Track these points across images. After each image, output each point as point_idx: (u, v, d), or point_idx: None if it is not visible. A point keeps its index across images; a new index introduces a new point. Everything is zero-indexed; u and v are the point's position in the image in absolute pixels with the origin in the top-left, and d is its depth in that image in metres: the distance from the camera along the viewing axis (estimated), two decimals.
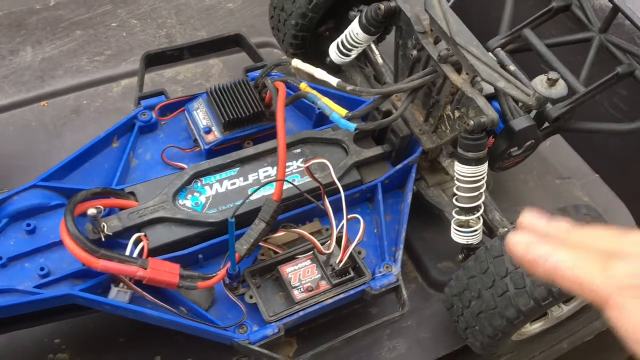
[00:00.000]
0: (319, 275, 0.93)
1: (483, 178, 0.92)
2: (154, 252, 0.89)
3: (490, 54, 0.94)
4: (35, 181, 0.90)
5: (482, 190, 0.93)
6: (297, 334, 1.04)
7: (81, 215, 0.86)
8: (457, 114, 0.96)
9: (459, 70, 0.95)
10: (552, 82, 0.81)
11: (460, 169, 0.91)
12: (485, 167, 0.92)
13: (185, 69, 1.35)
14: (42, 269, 0.84)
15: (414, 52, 0.99)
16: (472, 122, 0.87)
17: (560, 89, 0.82)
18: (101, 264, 0.80)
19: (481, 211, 0.95)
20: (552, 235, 0.50)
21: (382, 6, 0.99)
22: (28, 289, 0.82)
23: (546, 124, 1.14)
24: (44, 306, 0.84)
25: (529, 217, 0.52)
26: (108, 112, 1.25)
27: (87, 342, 1.00)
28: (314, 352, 0.89)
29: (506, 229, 0.98)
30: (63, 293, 0.81)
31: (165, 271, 0.84)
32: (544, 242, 0.49)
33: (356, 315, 1.07)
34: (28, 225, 0.87)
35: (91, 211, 0.83)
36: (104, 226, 0.87)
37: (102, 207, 0.87)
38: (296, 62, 1.02)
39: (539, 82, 0.82)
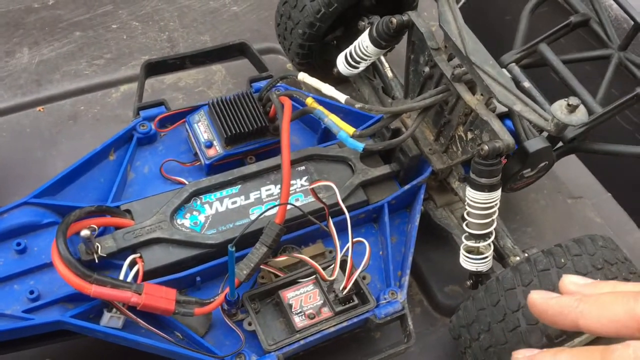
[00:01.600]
0: (322, 301, 0.89)
1: (496, 205, 0.88)
2: (150, 274, 0.85)
3: (506, 72, 0.89)
4: (26, 198, 0.86)
5: (494, 217, 0.89)
6: (295, 358, 1.00)
7: (76, 234, 0.82)
8: (469, 135, 0.92)
9: (472, 90, 0.91)
10: (572, 108, 0.76)
11: (472, 195, 0.87)
12: (498, 193, 0.87)
13: (187, 75, 1.30)
14: (31, 292, 0.80)
15: (426, 69, 0.95)
16: (486, 147, 0.83)
17: (580, 115, 0.77)
18: (94, 289, 0.76)
19: (492, 238, 0.91)
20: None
21: (394, 20, 0.95)
22: (16, 313, 0.78)
23: (560, 144, 1.10)
24: (33, 332, 0.80)
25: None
26: (106, 119, 1.20)
27: None
28: None
29: (518, 258, 0.93)
30: (53, 320, 0.77)
31: (161, 297, 0.80)
32: (543, 353, 0.53)
33: (358, 340, 1.03)
34: (18, 244, 0.83)
35: (84, 232, 0.79)
36: (97, 247, 0.83)
37: (95, 227, 0.83)
38: (303, 76, 0.98)
39: (559, 108, 0.77)
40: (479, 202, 0.87)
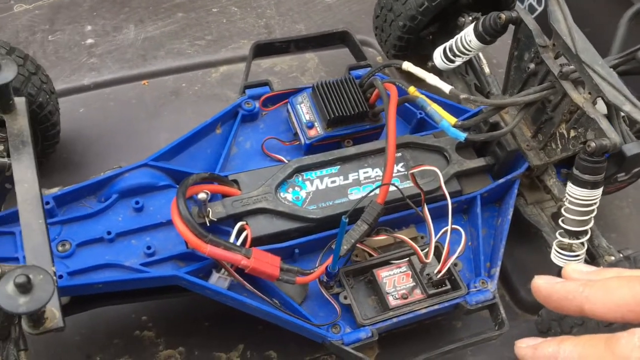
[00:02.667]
0: (414, 284, 0.92)
1: (595, 203, 0.89)
2: (255, 241, 0.89)
3: (614, 73, 0.90)
4: (146, 160, 0.91)
5: (592, 215, 0.90)
6: (379, 339, 1.03)
7: (189, 198, 0.87)
8: (572, 133, 0.93)
9: (578, 88, 0.92)
10: None
11: (573, 191, 0.88)
12: (599, 191, 0.88)
13: (282, 61, 1.35)
14: (148, 247, 0.85)
15: (531, 66, 0.96)
16: (593, 144, 0.84)
17: None
18: (209, 249, 0.80)
19: (587, 236, 0.92)
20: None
21: (503, 15, 0.97)
22: (134, 265, 0.83)
23: None
24: (148, 285, 0.85)
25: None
26: (206, 97, 1.26)
27: (172, 323, 1.02)
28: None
29: (613, 258, 0.94)
30: (170, 274, 0.82)
31: (268, 263, 0.84)
32: (547, 342, 0.52)
33: (439, 327, 1.05)
34: (137, 203, 0.89)
35: (202, 195, 0.84)
36: (209, 211, 0.88)
37: (209, 192, 0.88)
38: (407, 65, 1.01)
39: None
40: (580, 198, 0.88)
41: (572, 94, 0.90)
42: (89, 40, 1.34)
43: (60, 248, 0.83)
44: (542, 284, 0.55)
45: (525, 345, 0.54)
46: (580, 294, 0.51)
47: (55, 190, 0.87)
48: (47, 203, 0.85)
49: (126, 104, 1.24)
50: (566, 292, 0.52)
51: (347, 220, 0.77)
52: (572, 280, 0.54)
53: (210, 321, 1.02)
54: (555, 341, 0.51)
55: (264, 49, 1.11)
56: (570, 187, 0.89)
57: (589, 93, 0.89)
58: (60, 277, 0.80)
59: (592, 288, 0.51)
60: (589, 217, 0.90)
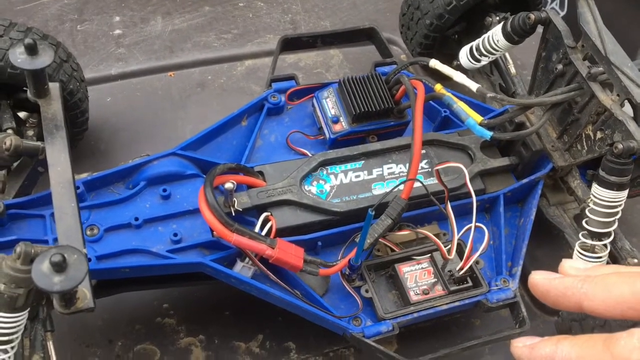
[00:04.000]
0: (435, 280, 0.92)
1: (620, 205, 0.89)
2: (279, 232, 0.90)
3: None
4: (174, 149, 0.92)
5: (616, 217, 0.90)
6: (397, 334, 1.03)
7: (215, 187, 0.88)
8: (599, 135, 0.93)
9: (606, 90, 0.92)
10: None
11: (598, 192, 0.88)
12: (625, 193, 0.88)
13: (307, 57, 1.36)
14: (175, 234, 0.86)
15: (559, 66, 0.96)
16: (621, 146, 0.84)
17: None
18: (234, 237, 0.81)
19: (610, 238, 0.92)
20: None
21: (532, 16, 0.97)
22: (161, 251, 0.84)
23: None
24: (173, 271, 0.86)
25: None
26: (231, 90, 1.27)
27: (193, 311, 1.03)
28: (432, 356, 0.88)
29: (636, 260, 0.94)
30: (196, 261, 0.83)
31: (292, 253, 0.85)
32: (544, 342, 0.51)
33: (458, 324, 1.06)
34: (164, 190, 0.90)
35: (228, 185, 0.85)
36: (234, 201, 0.89)
37: (235, 182, 0.89)
38: (434, 63, 1.01)
39: None
40: (606, 200, 0.88)
41: (600, 96, 0.90)
42: (117, 31, 1.36)
43: (88, 232, 0.85)
44: (539, 280, 0.54)
45: (521, 345, 0.52)
46: (579, 290, 0.50)
47: (85, 176, 0.89)
48: (77, 188, 0.86)
49: (152, 94, 1.25)
50: (564, 288, 0.51)
51: (373, 213, 0.77)
52: (570, 277, 0.53)
53: (230, 311, 1.03)
54: (552, 341, 0.50)
55: (291, 43, 1.12)
56: (596, 189, 0.89)
57: (617, 95, 0.89)
58: (89, 260, 0.81)
59: (590, 284, 0.50)
60: (613, 219, 0.90)
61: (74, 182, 0.77)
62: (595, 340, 0.47)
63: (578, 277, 0.51)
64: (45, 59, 0.76)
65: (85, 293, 0.66)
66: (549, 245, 1.11)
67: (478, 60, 1.11)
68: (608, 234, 0.92)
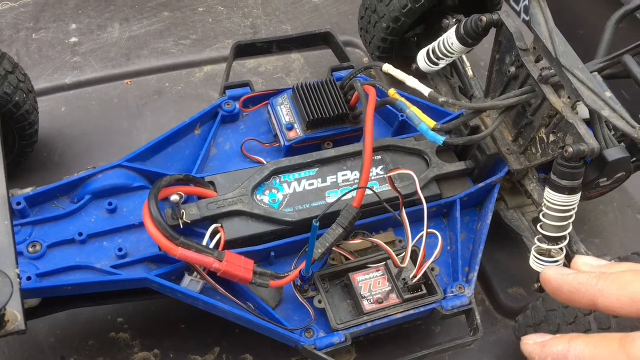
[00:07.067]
0: (390, 288, 0.91)
1: (574, 209, 0.88)
2: (229, 244, 0.89)
3: (595, 77, 0.90)
4: (121, 161, 0.90)
5: (570, 221, 0.89)
6: (356, 343, 1.02)
7: (163, 200, 0.86)
8: (552, 138, 0.92)
9: (558, 93, 0.91)
10: None
11: (551, 196, 0.87)
12: (578, 197, 0.87)
13: (267, 62, 1.34)
14: (120, 249, 0.84)
15: (512, 69, 0.95)
16: (571, 150, 0.83)
17: None
18: (180, 252, 0.80)
19: (566, 242, 0.91)
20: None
21: (484, 18, 0.96)
22: (105, 268, 0.83)
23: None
24: (118, 287, 0.84)
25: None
26: (189, 97, 1.25)
27: (148, 325, 1.01)
28: None
29: None
30: (140, 277, 0.82)
31: (240, 266, 0.83)
32: (556, 339, 0.50)
33: (418, 331, 1.04)
34: (110, 204, 0.88)
35: (174, 197, 0.83)
36: (183, 213, 0.87)
37: (183, 194, 0.87)
38: (387, 68, 1.00)
39: None
40: (558, 204, 0.87)
41: (552, 98, 0.89)
42: (73, 39, 1.33)
43: (30, 249, 0.82)
44: (552, 275, 0.53)
45: (532, 342, 0.52)
46: (593, 286, 0.49)
47: (28, 191, 0.86)
48: (19, 204, 0.84)
49: (108, 103, 1.23)
50: (579, 285, 0.50)
51: (318, 224, 0.76)
52: (584, 273, 0.52)
53: (186, 324, 1.01)
54: (565, 339, 0.49)
55: (245, 50, 1.11)
56: (548, 193, 0.88)
57: (569, 97, 0.88)
58: (29, 279, 0.79)
59: (606, 281, 0.49)
60: (567, 222, 0.89)
61: (8, 199, 0.75)
62: (610, 340, 0.46)
63: (593, 274, 0.50)
64: None
65: (15, 315, 0.64)
66: (509, 249, 1.10)
67: (435, 64, 1.09)
68: (563, 238, 0.91)
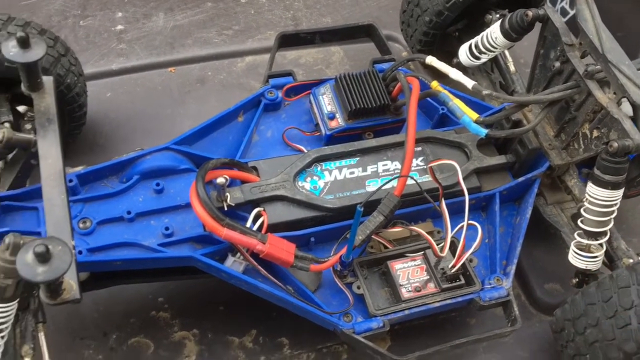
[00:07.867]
0: (427, 277, 0.92)
1: (616, 204, 0.88)
2: (271, 228, 0.90)
3: None
4: (168, 144, 0.93)
5: (612, 216, 0.89)
6: (391, 331, 1.03)
7: (208, 182, 0.88)
8: (595, 133, 0.92)
9: (603, 88, 0.91)
10: None
11: (593, 191, 0.87)
12: (620, 192, 0.87)
13: (307, 53, 1.36)
14: (167, 228, 0.86)
15: (557, 64, 0.95)
16: (616, 144, 0.83)
17: None
18: (225, 232, 0.82)
19: (606, 238, 0.91)
20: None
21: (530, 13, 0.96)
22: (152, 245, 0.85)
23: None
24: (164, 264, 0.86)
25: None
26: (231, 86, 1.28)
27: (188, 306, 1.03)
28: (420, 353, 0.87)
29: (632, 260, 0.93)
30: (186, 255, 0.84)
31: (282, 249, 0.85)
32: None
33: (453, 323, 1.05)
34: (157, 184, 0.90)
35: (221, 180, 0.85)
36: (227, 196, 0.89)
37: (228, 177, 0.89)
38: (431, 59, 1.01)
39: None
40: (601, 199, 0.87)
41: (597, 94, 0.89)
42: (119, 27, 1.37)
43: (81, 225, 0.85)
44: None
45: None
46: None
47: (79, 169, 0.89)
48: (71, 181, 0.87)
49: (152, 90, 1.26)
50: None
51: (362, 209, 0.77)
52: None
53: (225, 306, 1.03)
54: None
55: (289, 40, 1.12)
56: (591, 187, 0.88)
57: (614, 93, 0.88)
58: (80, 252, 0.82)
59: None
60: (608, 218, 0.89)
61: (64, 174, 0.78)
62: None
63: None
64: (37, 52, 0.77)
65: (71, 284, 0.67)
66: (547, 245, 1.10)
67: (477, 58, 1.10)
68: (604, 234, 0.91)
